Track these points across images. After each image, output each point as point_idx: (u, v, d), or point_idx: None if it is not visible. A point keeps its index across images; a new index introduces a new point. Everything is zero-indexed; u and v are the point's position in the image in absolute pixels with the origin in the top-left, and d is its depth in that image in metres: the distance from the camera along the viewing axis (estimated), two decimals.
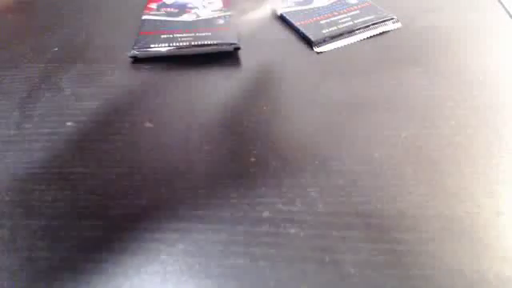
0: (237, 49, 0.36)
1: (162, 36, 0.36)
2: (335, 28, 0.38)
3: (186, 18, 0.39)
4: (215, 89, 0.33)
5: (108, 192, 0.25)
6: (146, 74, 0.35)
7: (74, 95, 0.33)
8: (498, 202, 0.24)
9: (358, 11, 0.40)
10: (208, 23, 0.38)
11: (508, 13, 0.40)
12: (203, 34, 0.36)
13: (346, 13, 0.40)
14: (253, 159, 0.27)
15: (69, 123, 0.30)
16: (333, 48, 0.37)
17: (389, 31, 0.38)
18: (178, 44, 0.35)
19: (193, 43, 0.35)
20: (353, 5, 0.41)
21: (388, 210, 0.24)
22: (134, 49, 0.35)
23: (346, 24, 0.38)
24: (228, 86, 0.33)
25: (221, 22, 0.38)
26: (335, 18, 0.39)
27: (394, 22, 0.39)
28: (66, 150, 0.28)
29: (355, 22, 0.38)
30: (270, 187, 0.25)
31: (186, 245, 0.23)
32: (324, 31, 0.37)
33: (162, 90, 0.33)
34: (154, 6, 0.41)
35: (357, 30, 0.38)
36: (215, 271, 0.21)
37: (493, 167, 0.26)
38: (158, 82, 0.34)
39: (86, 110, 0.31)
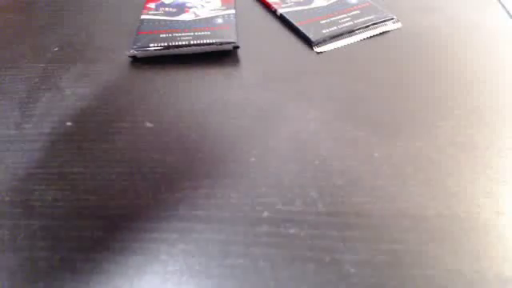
0: (236, 48, 0.36)
1: (161, 35, 0.36)
2: (335, 28, 0.38)
3: (184, 17, 0.39)
4: (215, 88, 0.33)
5: (108, 192, 0.25)
6: (145, 74, 0.35)
7: (74, 95, 0.33)
8: (498, 201, 0.24)
9: (358, 11, 0.40)
10: (207, 22, 0.38)
11: (508, 13, 0.40)
12: (202, 33, 0.36)
13: (346, 13, 0.40)
14: (253, 159, 0.27)
15: (69, 123, 0.30)
16: (333, 48, 0.37)
17: (389, 31, 0.38)
18: (177, 43, 0.35)
19: (192, 42, 0.35)
20: (353, 5, 0.41)
21: (388, 209, 0.24)
22: (133, 48, 0.35)
23: (346, 24, 0.38)
24: (227, 85, 0.33)
25: (220, 21, 0.38)
26: (335, 18, 0.39)
27: (394, 22, 0.39)
28: (66, 150, 0.28)
29: (355, 21, 0.38)
30: (270, 187, 0.25)
31: (185, 245, 0.23)
32: (324, 31, 0.37)
33: (161, 89, 0.33)
34: (152, 5, 0.41)
35: (357, 29, 0.38)
36: (215, 271, 0.21)
37: (493, 167, 0.26)
38: (157, 82, 0.34)
39: (86, 109, 0.31)
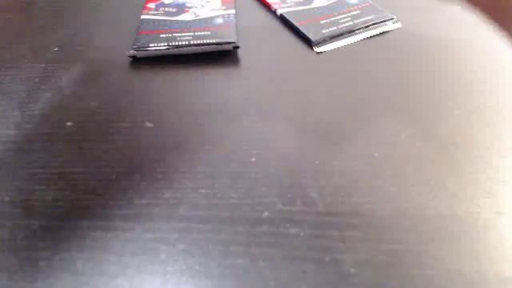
0: (236, 48, 0.36)
1: (161, 35, 0.36)
2: (335, 28, 0.38)
3: (184, 17, 0.39)
4: (215, 88, 0.33)
5: (108, 192, 0.25)
6: (145, 74, 0.35)
7: (74, 95, 0.33)
8: (498, 202, 0.24)
9: (358, 11, 0.40)
10: (207, 22, 0.38)
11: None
12: (202, 33, 0.36)
13: (346, 13, 0.40)
14: (253, 159, 0.27)
15: (69, 123, 0.30)
16: (333, 48, 0.37)
17: (389, 31, 0.38)
18: (177, 43, 0.35)
19: (192, 42, 0.35)
20: (353, 5, 0.41)
21: (388, 209, 0.24)
22: (133, 48, 0.35)
23: (346, 24, 0.38)
24: (227, 85, 0.33)
25: (219, 21, 0.38)
26: (335, 18, 0.39)
27: (393, 22, 0.39)
28: (66, 150, 0.28)
29: (355, 21, 0.38)
30: (270, 187, 0.25)
31: (186, 245, 0.23)
32: (324, 31, 0.37)
33: (161, 89, 0.33)
34: (152, 5, 0.41)
35: (357, 29, 0.38)
36: (215, 271, 0.21)
37: (493, 167, 0.26)
38: (157, 82, 0.34)
39: (85, 109, 0.31)
